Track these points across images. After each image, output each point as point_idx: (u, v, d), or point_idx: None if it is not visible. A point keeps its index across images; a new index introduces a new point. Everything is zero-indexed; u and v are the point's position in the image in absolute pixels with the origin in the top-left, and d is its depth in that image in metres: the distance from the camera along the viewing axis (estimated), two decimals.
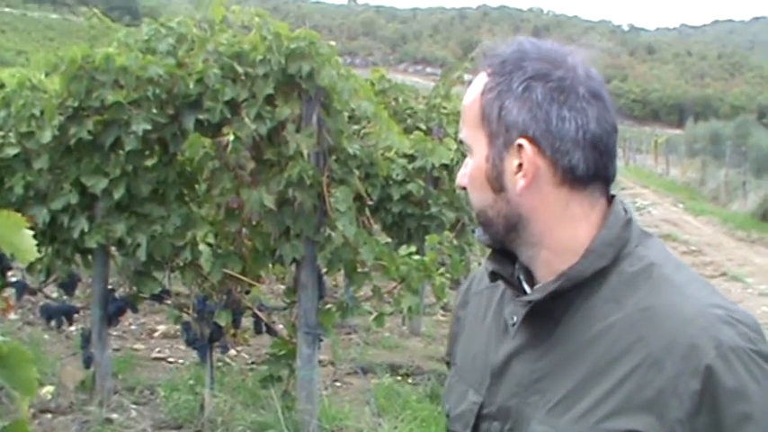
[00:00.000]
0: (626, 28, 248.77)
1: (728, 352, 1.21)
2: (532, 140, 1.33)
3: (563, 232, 1.38)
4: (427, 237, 5.51)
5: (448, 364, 1.72)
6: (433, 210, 7.05)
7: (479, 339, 1.54)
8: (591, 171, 1.35)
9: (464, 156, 1.48)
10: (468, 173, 1.42)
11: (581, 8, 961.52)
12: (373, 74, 8.82)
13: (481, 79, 1.40)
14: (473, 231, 1.39)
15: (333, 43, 4.92)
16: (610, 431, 1.25)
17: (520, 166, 1.35)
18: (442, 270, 5.27)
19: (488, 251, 1.51)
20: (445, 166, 6.97)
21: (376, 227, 6.67)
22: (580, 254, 1.36)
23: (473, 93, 1.40)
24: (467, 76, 8.58)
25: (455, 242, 6.03)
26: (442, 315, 9.36)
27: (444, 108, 8.50)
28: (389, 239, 7.25)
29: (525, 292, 1.44)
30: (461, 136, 1.43)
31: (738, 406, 1.20)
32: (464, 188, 1.45)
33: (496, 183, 1.38)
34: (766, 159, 26.92)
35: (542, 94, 1.33)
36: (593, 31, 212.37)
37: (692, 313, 1.26)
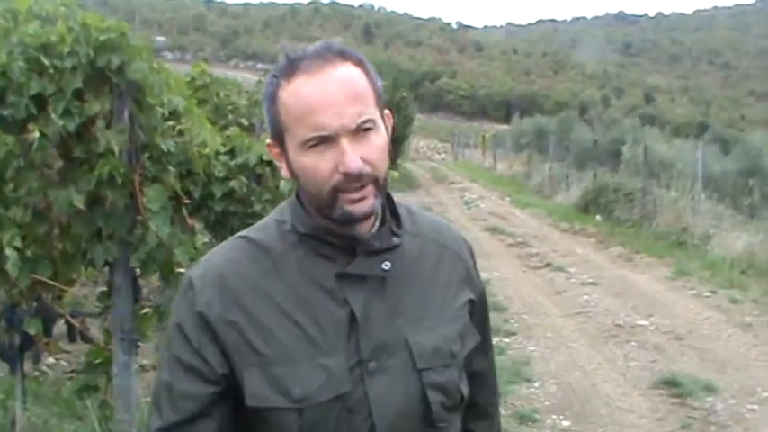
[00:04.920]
0: (455, 26, 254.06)
1: (466, 240, 1.95)
2: None
3: None
4: None
5: (225, 376, 1.62)
6: (257, 207, 6.90)
7: (296, 317, 1.61)
8: None
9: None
10: (380, 146, 1.60)
11: (411, 6, 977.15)
12: (194, 68, 8.64)
13: (354, 69, 1.59)
14: None
15: (161, 38, 4.74)
16: (461, 305, 1.79)
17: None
18: None
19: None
20: (268, 163, 6.85)
21: (199, 226, 6.48)
22: None
23: (360, 79, 1.59)
24: None
25: None
26: None
27: None
28: (212, 238, 7.08)
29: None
30: (371, 116, 1.58)
31: (477, 264, 1.94)
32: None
33: (389, 150, 1.65)
34: (587, 153, 28.14)
35: None
36: (424, 28, 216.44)
37: (448, 225, 1.94)
